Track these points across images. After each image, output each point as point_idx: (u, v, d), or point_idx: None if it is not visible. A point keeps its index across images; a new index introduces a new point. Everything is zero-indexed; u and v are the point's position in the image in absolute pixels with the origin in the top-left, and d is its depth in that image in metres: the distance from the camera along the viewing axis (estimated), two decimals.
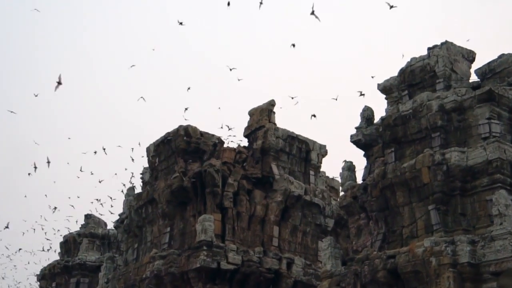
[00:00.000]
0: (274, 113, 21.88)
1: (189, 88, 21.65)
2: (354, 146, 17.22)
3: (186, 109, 21.60)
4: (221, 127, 21.60)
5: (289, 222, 20.44)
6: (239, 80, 21.64)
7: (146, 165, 22.55)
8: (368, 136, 16.89)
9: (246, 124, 22.36)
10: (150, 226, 21.24)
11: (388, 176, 15.24)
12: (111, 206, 24.15)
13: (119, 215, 23.10)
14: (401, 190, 15.03)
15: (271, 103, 21.89)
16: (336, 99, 20.42)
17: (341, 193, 17.04)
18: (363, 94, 18.77)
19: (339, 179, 22.87)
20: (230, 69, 21.17)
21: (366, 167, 16.85)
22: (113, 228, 25.36)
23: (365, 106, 17.50)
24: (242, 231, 19.64)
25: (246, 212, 19.88)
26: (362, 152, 17.12)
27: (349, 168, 17.26)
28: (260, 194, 20.40)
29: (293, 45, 18.29)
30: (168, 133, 21.57)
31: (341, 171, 17.33)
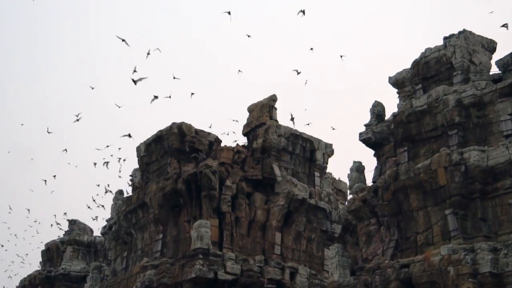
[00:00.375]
0: (275, 109, 21.86)
1: (193, 94, 21.50)
2: (364, 145, 17.20)
3: (192, 94, 21.18)
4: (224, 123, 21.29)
5: (292, 228, 20.42)
6: (239, 72, 21.32)
7: (137, 165, 22.63)
8: (379, 134, 16.87)
9: (245, 121, 22.39)
10: (140, 233, 21.24)
11: (401, 178, 15.16)
12: (101, 206, 23.84)
13: (107, 220, 23.07)
14: (415, 193, 14.96)
15: (273, 98, 21.88)
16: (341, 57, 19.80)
17: (349, 196, 17.06)
18: (299, 72, 18.22)
19: (346, 181, 22.66)
20: (238, 71, 21.01)
21: (376, 168, 16.85)
22: (100, 235, 25.39)
23: (375, 101, 17.49)
24: (241, 238, 19.61)
25: (246, 217, 19.85)
26: (372, 152, 17.10)
27: (357, 169, 17.21)
28: (261, 198, 20.39)
29: (303, 12, 17.83)
30: (160, 131, 21.53)
31: (349, 172, 17.30)
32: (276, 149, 20.96)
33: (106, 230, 22.76)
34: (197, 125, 21.75)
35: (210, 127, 21.54)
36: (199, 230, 18.22)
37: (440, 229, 14.41)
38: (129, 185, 22.52)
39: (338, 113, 50.89)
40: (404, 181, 15.07)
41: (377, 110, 17.25)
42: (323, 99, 51.82)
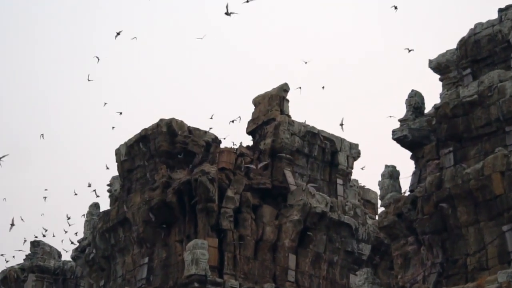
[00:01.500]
0: (287, 101, 21.89)
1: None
2: (398, 145, 17.20)
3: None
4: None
5: (309, 249, 20.40)
6: (242, 53, 21.13)
7: (116, 172, 22.70)
8: (417, 131, 16.81)
9: (249, 117, 22.46)
10: (121, 256, 21.21)
11: (446, 186, 15.15)
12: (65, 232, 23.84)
13: (79, 241, 23.05)
14: (463, 205, 14.94)
15: (284, 88, 21.92)
16: None
17: (380, 209, 17.14)
18: (411, 50, 18.24)
19: (377, 190, 22.78)
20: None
21: (414, 174, 16.80)
22: (70, 259, 25.29)
23: (412, 90, 17.39)
24: (246, 262, 19.62)
25: (252, 236, 19.85)
26: (409, 153, 17.10)
27: (391, 174, 17.20)
28: (271, 212, 20.37)
29: None
30: (145, 130, 21.57)
31: (380, 179, 17.28)
32: (289, 151, 20.94)
33: (77, 254, 22.77)
34: (191, 122, 21.91)
35: (212, 118, 21.54)
36: (194, 252, 18.21)
37: (496, 249, 14.38)
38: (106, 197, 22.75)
39: (364, 108, 50.85)
40: (449, 190, 15.06)
41: (415, 101, 17.18)
42: (343, 91, 51.82)
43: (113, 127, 21.69)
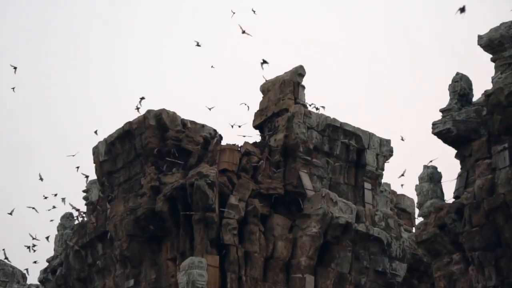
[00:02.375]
0: (303, 87, 21.87)
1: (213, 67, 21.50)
2: (440, 141, 17.11)
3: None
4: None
5: (331, 269, 20.34)
6: (243, 32, 20.99)
7: (93, 176, 22.72)
8: (463, 123, 16.66)
9: (256, 107, 22.44)
10: (101, 278, 21.24)
11: (499, 191, 15.05)
12: (32, 249, 23.67)
13: (48, 260, 22.91)
14: None
15: (299, 72, 21.89)
16: None
17: (418, 220, 17.23)
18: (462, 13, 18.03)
19: (413, 197, 22.39)
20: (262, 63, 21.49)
21: (460, 176, 16.71)
22: (37, 282, 25.16)
23: (457, 73, 17.25)
24: (254, 284, 19.58)
25: (261, 253, 19.82)
26: (453, 151, 17.03)
27: (431, 177, 17.10)
28: (283, 223, 20.35)
29: None
30: (129, 124, 21.58)
31: (417, 182, 17.16)
32: (306, 149, 20.88)
33: (46, 275, 22.67)
34: (185, 113, 21.86)
35: (211, 109, 21.60)
36: (190, 272, 18.14)
37: None
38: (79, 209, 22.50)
39: (397, 95, 50.56)
40: (504, 196, 14.96)
41: (460, 87, 17.02)
42: (371, 74, 51.59)
43: (95, 131, 21.67)
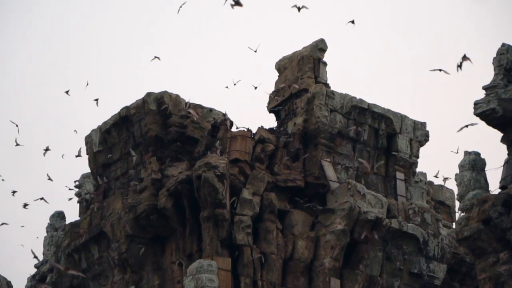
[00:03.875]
0: (325, 65, 21.81)
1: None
2: (483, 123, 17.02)
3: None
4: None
5: (359, 271, 20.28)
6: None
7: (85, 169, 22.78)
8: (510, 102, 16.57)
9: (272, 87, 22.47)
10: (97, 286, 21.36)
11: None
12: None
13: (36, 266, 22.92)
14: None
15: (319, 47, 21.83)
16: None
17: (459, 214, 16.95)
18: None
19: (453, 188, 22.88)
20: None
21: (507, 163, 16.69)
22: None
23: (503, 44, 17.08)
24: None
25: (278, 254, 19.76)
26: (499, 134, 17.02)
27: (473, 165, 17.07)
28: (304, 219, 20.31)
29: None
30: (126, 108, 21.62)
31: (457, 171, 17.12)
32: (328, 134, 20.85)
33: (35, 283, 22.64)
34: (191, 96, 22.13)
35: (228, 87, 21.39)
36: (198, 277, 18.13)
37: None
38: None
39: (432, 72, 50.14)
40: None
41: (507, 60, 16.87)
42: (402, 48, 51.33)
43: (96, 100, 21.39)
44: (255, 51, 21.15)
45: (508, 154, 16.69)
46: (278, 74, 22.37)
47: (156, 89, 21.41)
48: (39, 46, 55.85)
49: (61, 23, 57.26)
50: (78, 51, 55.08)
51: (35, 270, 23.12)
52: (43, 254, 23.10)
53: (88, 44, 55.58)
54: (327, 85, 21.50)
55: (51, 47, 57.08)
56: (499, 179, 16.48)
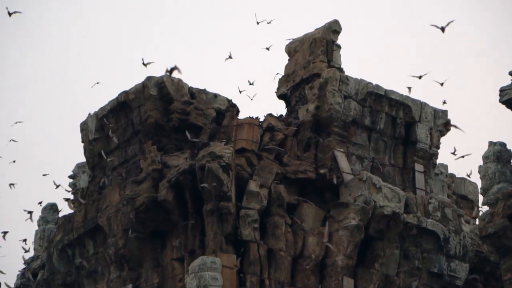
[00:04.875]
0: (339, 47, 21.88)
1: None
2: (508, 111, 17.27)
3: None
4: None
5: (375, 270, 20.33)
6: None
7: (80, 158, 22.93)
8: None
9: (281, 73, 22.51)
10: (92, 283, 21.39)
11: None
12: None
13: (27, 262, 23.13)
14: None
15: (333, 28, 21.87)
16: None
17: (482, 209, 17.76)
18: None
19: (477, 181, 23.06)
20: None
21: None
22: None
23: None
24: None
25: (287, 250, 19.78)
26: None
27: (498, 156, 17.29)
28: (315, 213, 20.36)
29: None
30: (124, 93, 21.68)
31: (480, 164, 17.27)
32: (342, 123, 20.93)
33: (25, 281, 22.79)
34: (194, 81, 22.35)
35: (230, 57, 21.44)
36: (201, 275, 18.12)
37: None
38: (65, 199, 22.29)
39: (455, 56, 50.14)
40: None
41: None
42: (421, 30, 51.24)
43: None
44: (258, 23, 21.30)
45: None
46: (288, 58, 22.36)
47: (157, 73, 21.47)
48: (35, 29, 56.55)
49: (57, 4, 57.86)
50: (75, 34, 55.46)
51: (25, 266, 23.15)
52: (34, 249, 23.18)
53: (85, 26, 55.96)
54: (341, 70, 21.51)
55: (47, 30, 57.66)
56: None
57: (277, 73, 22.28)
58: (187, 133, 20.52)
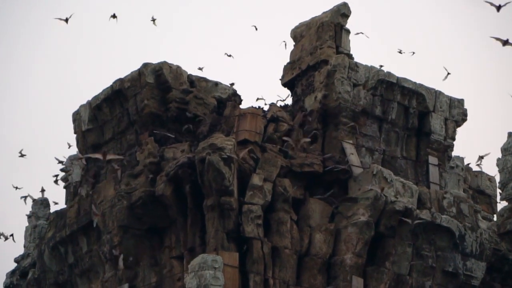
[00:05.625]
0: (348, 32, 21.95)
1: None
2: None
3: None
4: None
5: (386, 269, 20.32)
6: None
7: (72, 150, 23.01)
8: None
9: (286, 59, 22.61)
10: (85, 283, 21.43)
11: None
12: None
13: (16, 260, 23.23)
14: None
15: (342, 12, 21.91)
16: None
17: (501, 204, 17.60)
18: None
19: (496, 175, 22.51)
20: None
21: None
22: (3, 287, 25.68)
23: None
24: None
25: (293, 248, 19.78)
26: None
27: None
28: (322, 208, 20.38)
29: None
30: (120, 81, 21.72)
31: (498, 156, 17.61)
32: (351, 112, 20.97)
33: (15, 280, 22.90)
34: (194, 68, 22.28)
35: (230, 56, 21.65)
36: (201, 274, 18.12)
37: None
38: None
39: (470, 41, 50.06)
40: None
41: None
42: (436, 14, 51.13)
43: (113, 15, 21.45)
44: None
45: None
46: (294, 43, 22.44)
47: (154, 60, 21.53)
48: (28, 14, 56.80)
49: None
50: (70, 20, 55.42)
51: (15, 264, 23.34)
52: (24, 246, 23.23)
53: (79, 11, 56.03)
54: (350, 56, 21.56)
55: (37, 14, 57.89)
56: None
57: (283, 41, 22.41)
58: (190, 127, 20.56)
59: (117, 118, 21.83)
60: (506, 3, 17.11)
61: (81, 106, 22.53)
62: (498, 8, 17.05)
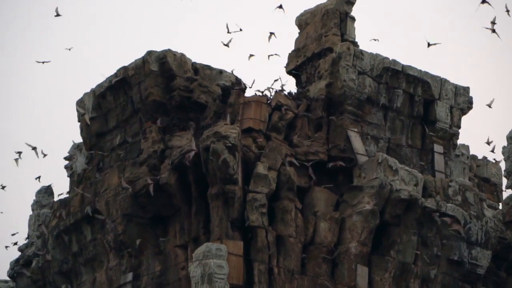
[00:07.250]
0: (353, 19, 21.95)
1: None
2: None
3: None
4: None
5: (391, 258, 20.33)
6: None
7: (77, 138, 22.92)
8: None
9: (291, 46, 22.62)
10: (89, 272, 21.48)
11: None
12: None
13: (20, 248, 23.14)
14: None
15: None
16: None
17: (506, 193, 17.51)
18: None
19: (501, 163, 22.53)
20: None
21: None
22: (7, 277, 25.41)
23: None
24: (289, 278, 19.58)
25: (297, 237, 19.81)
26: None
27: None
28: (327, 198, 20.41)
29: None
30: (124, 69, 21.72)
31: (504, 144, 17.94)
32: (356, 101, 20.95)
33: (19, 269, 22.80)
34: (198, 56, 22.15)
35: (229, 44, 21.24)
36: (205, 263, 18.11)
37: None
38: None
39: (473, 29, 49.95)
40: None
41: None
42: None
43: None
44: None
45: None
46: (299, 31, 22.39)
47: (158, 47, 21.48)
48: (32, 4, 56.66)
49: None
50: (70, 4, 55.56)
51: (19, 253, 23.31)
52: (28, 235, 23.18)
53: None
54: (355, 44, 21.51)
55: (44, 4, 57.92)
56: None
57: (272, 32, 22.25)
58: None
59: (121, 106, 21.77)
60: None
61: (85, 94, 22.45)
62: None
